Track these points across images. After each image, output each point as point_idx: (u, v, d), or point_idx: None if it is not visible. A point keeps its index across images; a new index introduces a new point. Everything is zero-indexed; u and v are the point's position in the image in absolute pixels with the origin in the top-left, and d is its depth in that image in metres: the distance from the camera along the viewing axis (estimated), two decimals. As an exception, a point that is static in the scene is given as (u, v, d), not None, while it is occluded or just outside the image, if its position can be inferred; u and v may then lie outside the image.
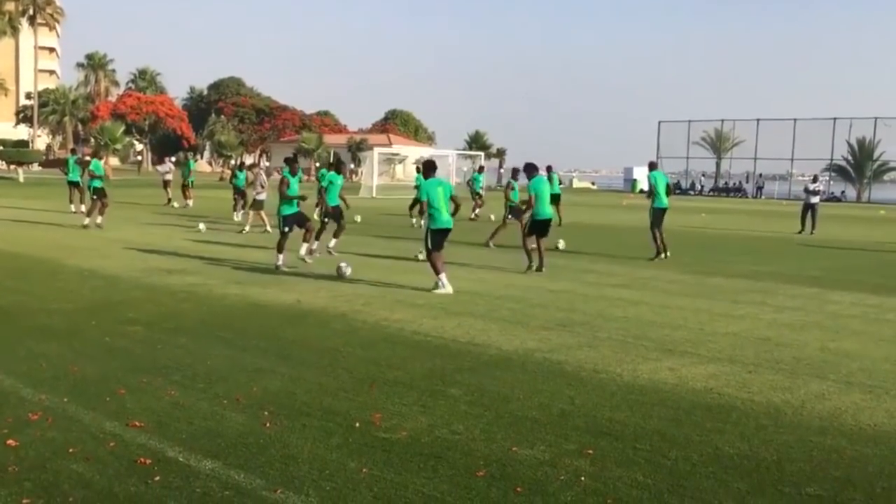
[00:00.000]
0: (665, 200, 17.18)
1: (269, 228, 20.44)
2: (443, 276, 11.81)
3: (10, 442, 5.18)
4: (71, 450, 5.09)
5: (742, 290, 12.98)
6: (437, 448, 5.33)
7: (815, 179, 28.60)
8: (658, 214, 17.07)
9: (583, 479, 4.88)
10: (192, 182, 31.74)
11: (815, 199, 27.19)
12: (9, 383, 6.57)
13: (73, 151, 32.37)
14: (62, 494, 4.46)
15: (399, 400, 6.39)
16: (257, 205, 21.47)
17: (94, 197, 21.26)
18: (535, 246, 14.55)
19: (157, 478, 4.70)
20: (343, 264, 13.23)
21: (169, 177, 32.85)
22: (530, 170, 14.74)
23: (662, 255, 16.90)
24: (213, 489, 4.59)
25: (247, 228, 20.90)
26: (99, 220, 20.83)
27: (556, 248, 17.92)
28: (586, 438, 5.61)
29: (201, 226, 21.34)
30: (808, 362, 8.09)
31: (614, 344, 8.70)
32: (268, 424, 5.71)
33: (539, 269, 14.31)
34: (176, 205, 30.19)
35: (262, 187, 21.43)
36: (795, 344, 8.95)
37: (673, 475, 4.99)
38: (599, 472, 5.01)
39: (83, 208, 25.65)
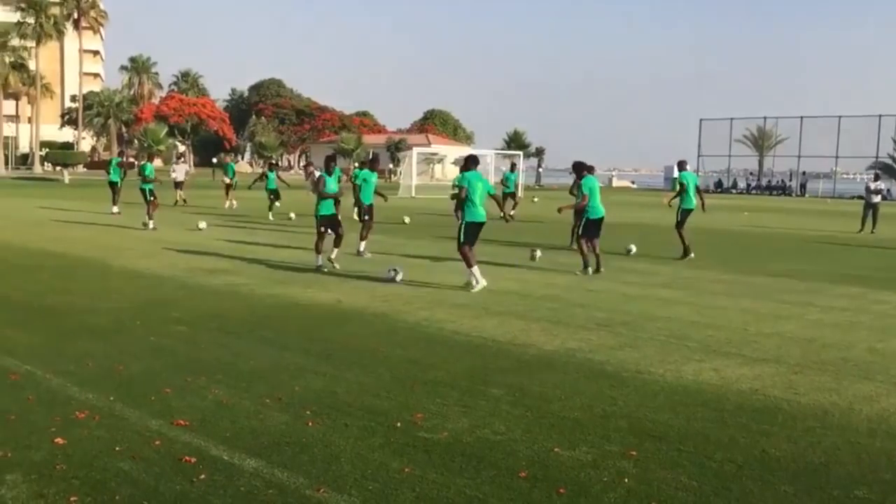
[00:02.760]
0: (693, 202, 16.91)
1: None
2: (475, 269, 11.82)
3: (57, 440, 5.26)
4: (117, 448, 5.16)
5: (786, 290, 12.79)
6: (478, 448, 5.32)
7: (876, 178, 28.02)
8: (684, 215, 16.86)
9: (626, 480, 4.84)
10: (235, 183, 31.85)
11: (877, 199, 26.70)
12: (57, 382, 6.68)
13: (122, 153, 33.13)
14: (109, 492, 4.52)
15: (440, 400, 6.39)
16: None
17: (146, 199, 21.82)
18: (589, 246, 14.22)
19: (202, 476, 4.74)
20: (394, 270, 12.64)
21: (178, 177, 33.09)
22: (579, 168, 14.60)
23: (692, 255, 16.65)
24: (257, 488, 4.62)
25: None
26: (149, 222, 21.12)
27: (628, 252, 17.44)
28: (629, 440, 5.56)
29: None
30: (855, 363, 7.94)
31: (656, 344, 8.62)
32: (310, 423, 5.74)
33: (597, 269, 13.94)
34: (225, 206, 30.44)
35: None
36: (842, 344, 8.80)
37: (718, 477, 4.93)
38: (643, 473, 4.96)
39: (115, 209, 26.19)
